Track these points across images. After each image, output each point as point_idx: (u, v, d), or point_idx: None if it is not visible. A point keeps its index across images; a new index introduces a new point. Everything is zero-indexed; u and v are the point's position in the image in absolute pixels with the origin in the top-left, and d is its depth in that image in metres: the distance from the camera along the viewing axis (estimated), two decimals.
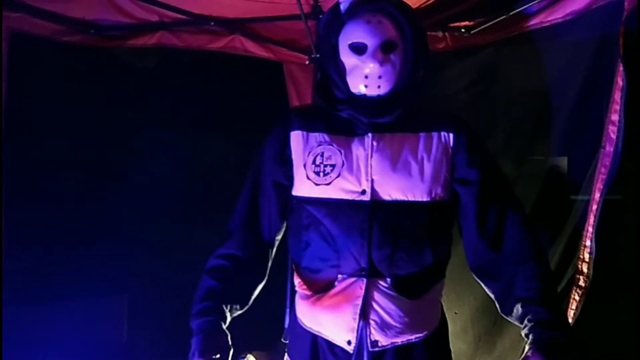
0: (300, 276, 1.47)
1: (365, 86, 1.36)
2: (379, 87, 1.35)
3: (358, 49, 1.35)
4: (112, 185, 2.71)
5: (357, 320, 1.33)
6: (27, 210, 2.39)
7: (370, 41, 1.34)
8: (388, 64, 1.35)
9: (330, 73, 1.41)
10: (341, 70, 1.39)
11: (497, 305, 1.42)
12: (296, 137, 1.44)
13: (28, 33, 2.16)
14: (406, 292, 1.35)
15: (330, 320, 1.37)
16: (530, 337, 1.31)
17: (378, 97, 1.37)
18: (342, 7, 1.40)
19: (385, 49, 1.34)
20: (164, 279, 2.80)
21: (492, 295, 1.43)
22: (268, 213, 1.48)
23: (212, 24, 2.60)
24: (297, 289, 1.48)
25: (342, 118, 1.42)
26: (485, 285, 1.44)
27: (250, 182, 1.50)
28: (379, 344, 1.34)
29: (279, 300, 2.52)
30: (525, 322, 1.33)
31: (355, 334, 1.33)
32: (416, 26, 1.40)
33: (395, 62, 1.36)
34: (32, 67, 2.37)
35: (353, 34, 1.36)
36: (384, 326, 1.34)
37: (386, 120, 1.38)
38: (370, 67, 1.34)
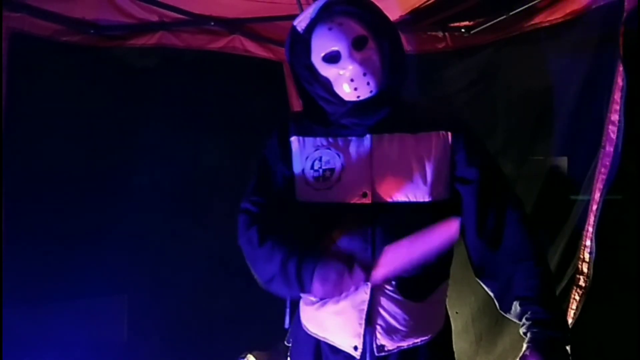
0: None
1: (355, 89, 1.35)
2: (368, 84, 1.34)
3: (332, 58, 1.35)
4: (112, 185, 2.70)
5: (362, 325, 1.32)
6: (27, 210, 2.39)
7: (339, 45, 1.33)
8: (367, 60, 1.34)
9: (318, 93, 1.40)
10: (327, 86, 1.39)
11: (496, 303, 1.42)
12: (294, 143, 1.43)
13: (28, 33, 2.16)
14: (411, 295, 1.34)
15: (335, 326, 1.37)
16: (528, 335, 1.31)
17: (371, 97, 1.36)
18: (299, 27, 1.40)
19: (357, 46, 1.34)
20: (164, 279, 2.79)
21: (491, 294, 1.43)
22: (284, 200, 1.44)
23: (212, 24, 2.61)
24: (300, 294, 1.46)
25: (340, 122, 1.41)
26: (485, 283, 1.44)
27: (261, 172, 1.45)
28: (385, 349, 1.33)
29: (279, 300, 2.52)
30: (524, 320, 1.33)
31: (361, 339, 1.33)
32: (377, 12, 1.40)
33: (372, 55, 1.35)
34: (32, 67, 2.36)
35: (321, 46, 1.36)
36: (390, 330, 1.33)
37: (383, 116, 1.37)
38: (350, 69, 1.33)
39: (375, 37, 1.36)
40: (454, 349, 1.48)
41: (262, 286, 1.40)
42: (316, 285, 1.27)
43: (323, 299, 1.38)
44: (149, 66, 2.70)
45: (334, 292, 1.28)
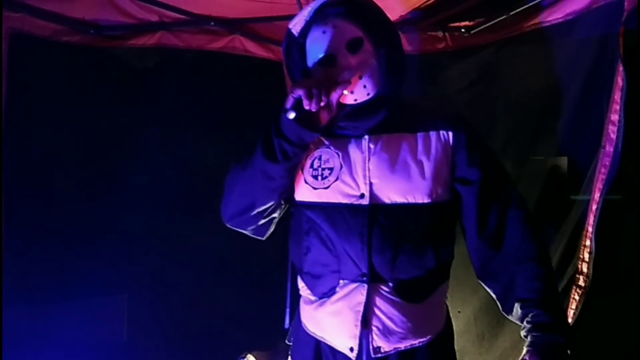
0: (303, 280, 1.45)
1: (352, 92, 1.30)
2: (364, 87, 1.30)
3: (327, 61, 1.30)
4: (112, 184, 2.70)
5: (359, 327, 1.31)
6: (27, 210, 2.38)
7: (334, 48, 1.29)
8: (363, 63, 1.29)
9: None
10: None
11: (499, 304, 1.40)
12: None
13: (28, 33, 2.16)
14: (409, 297, 1.32)
15: (332, 326, 1.36)
16: (529, 339, 1.29)
17: (369, 100, 1.32)
18: (295, 30, 1.36)
19: (352, 49, 1.29)
20: (164, 279, 2.79)
21: (493, 295, 1.40)
22: None
23: (212, 24, 2.61)
24: (300, 292, 1.47)
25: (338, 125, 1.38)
26: (487, 285, 1.41)
27: None
28: (382, 350, 1.32)
29: (279, 300, 2.52)
30: (525, 323, 1.31)
31: (357, 341, 1.32)
32: (374, 12, 1.36)
33: (369, 57, 1.30)
34: (32, 67, 2.36)
35: (316, 50, 1.31)
36: (386, 332, 1.32)
37: (381, 118, 1.34)
38: (346, 72, 1.28)
39: (371, 39, 1.31)
40: (456, 348, 1.47)
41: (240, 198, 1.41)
42: (296, 90, 1.20)
43: (321, 299, 1.38)
44: (149, 66, 2.70)
45: (316, 84, 1.21)
